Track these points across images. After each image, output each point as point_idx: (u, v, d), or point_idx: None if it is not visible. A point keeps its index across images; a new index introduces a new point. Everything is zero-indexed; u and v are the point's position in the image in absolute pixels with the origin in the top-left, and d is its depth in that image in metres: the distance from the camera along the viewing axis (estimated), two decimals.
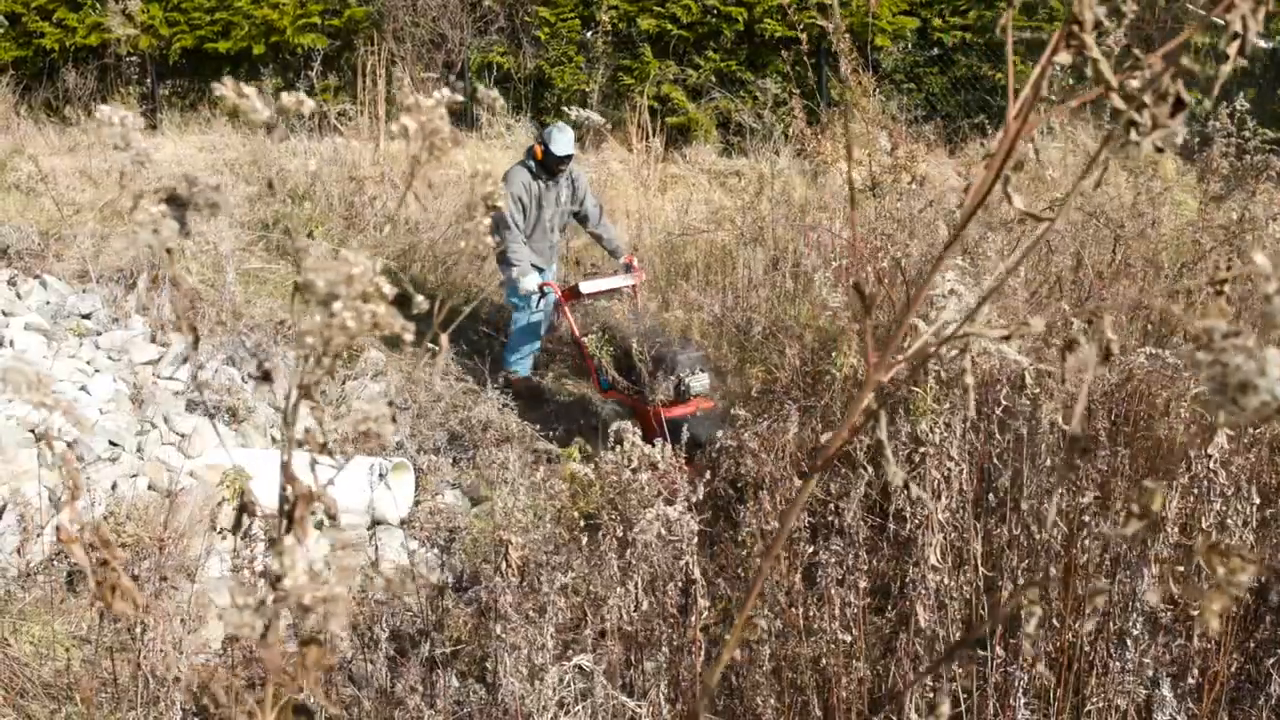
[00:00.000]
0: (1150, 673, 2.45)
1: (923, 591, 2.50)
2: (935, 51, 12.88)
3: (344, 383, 8.43)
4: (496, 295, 9.97)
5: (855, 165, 7.49)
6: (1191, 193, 7.66)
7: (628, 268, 7.84)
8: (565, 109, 12.04)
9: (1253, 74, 12.23)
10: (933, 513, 2.48)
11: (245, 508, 1.06)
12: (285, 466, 0.95)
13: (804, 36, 9.00)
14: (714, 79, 13.27)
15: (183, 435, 6.54)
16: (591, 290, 7.63)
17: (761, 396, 6.01)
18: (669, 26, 13.21)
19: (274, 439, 7.41)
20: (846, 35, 7.75)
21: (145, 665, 2.72)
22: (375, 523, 6.27)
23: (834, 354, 4.37)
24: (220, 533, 4.75)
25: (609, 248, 8.16)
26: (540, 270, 7.92)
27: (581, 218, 8.07)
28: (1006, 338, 0.95)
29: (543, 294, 7.83)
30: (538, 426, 7.64)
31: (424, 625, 4.64)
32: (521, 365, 8.30)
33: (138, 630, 2.76)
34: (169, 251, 0.95)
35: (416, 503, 6.58)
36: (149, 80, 14.81)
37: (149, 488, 5.92)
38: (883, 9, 12.37)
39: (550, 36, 13.64)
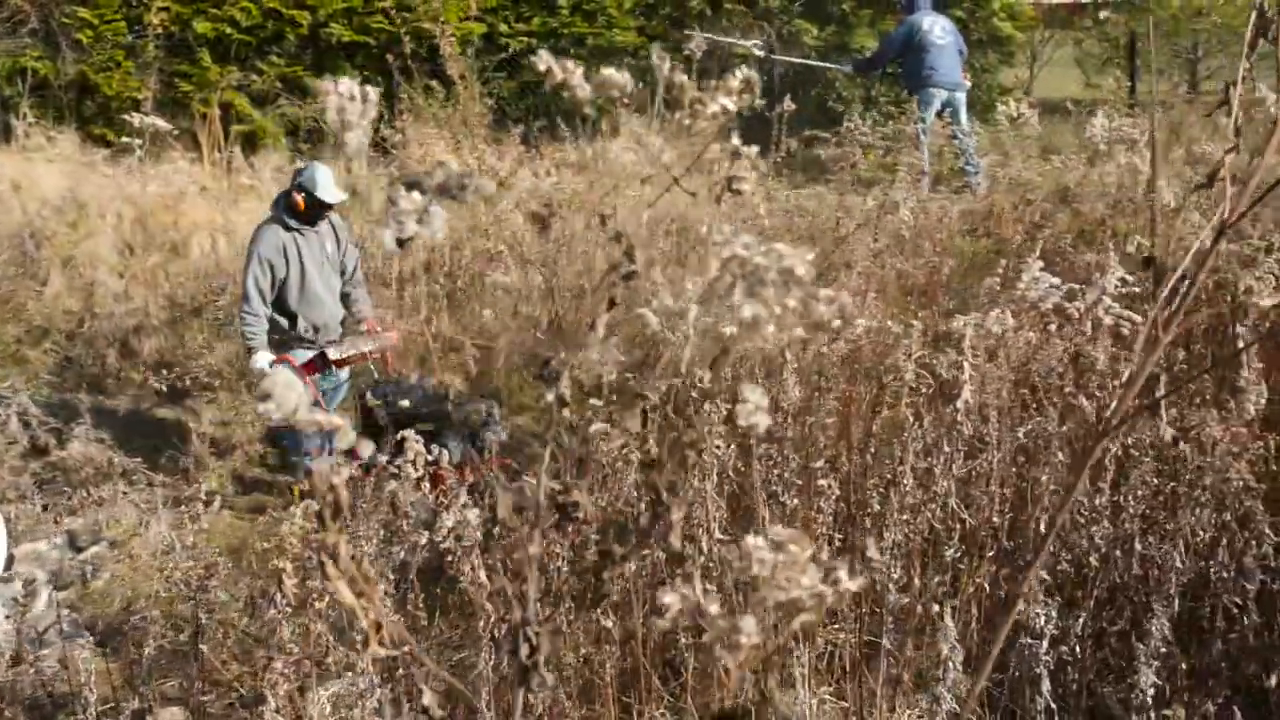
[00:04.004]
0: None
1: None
2: (502, 56, 13.11)
3: None
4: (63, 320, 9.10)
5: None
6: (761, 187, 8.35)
7: (367, 332, 6.75)
8: (124, 116, 11.15)
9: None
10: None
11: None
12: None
13: (406, 38, 8.88)
14: (279, 85, 12.78)
15: None
16: (342, 357, 6.47)
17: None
18: (228, 30, 12.56)
19: None
20: (453, 39, 7.75)
21: None
22: None
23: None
24: None
25: (354, 307, 6.89)
26: (311, 345, 6.58)
27: (339, 270, 6.83)
28: None
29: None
30: (140, 459, 7.06)
31: (73, 687, 4.18)
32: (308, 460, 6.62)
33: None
34: None
35: (10, 557, 5.89)
36: None
37: None
38: (449, 14, 12.44)
39: (94, 40, 12.56)
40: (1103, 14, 19.80)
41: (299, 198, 6.36)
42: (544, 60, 0.94)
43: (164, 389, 8.12)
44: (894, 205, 4.63)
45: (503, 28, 13.09)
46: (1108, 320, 2.91)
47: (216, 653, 3.38)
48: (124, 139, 11.01)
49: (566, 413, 0.98)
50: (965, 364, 2.83)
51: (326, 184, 6.38)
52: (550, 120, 12.48)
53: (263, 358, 6.36)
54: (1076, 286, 3.10)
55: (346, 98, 0.90)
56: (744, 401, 0.91)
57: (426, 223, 0.90)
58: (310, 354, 6.49)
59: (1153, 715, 2.68)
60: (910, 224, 4.63)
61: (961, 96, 10.16)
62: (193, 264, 9.69)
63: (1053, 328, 3.25)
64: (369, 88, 0.91)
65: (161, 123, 10.43)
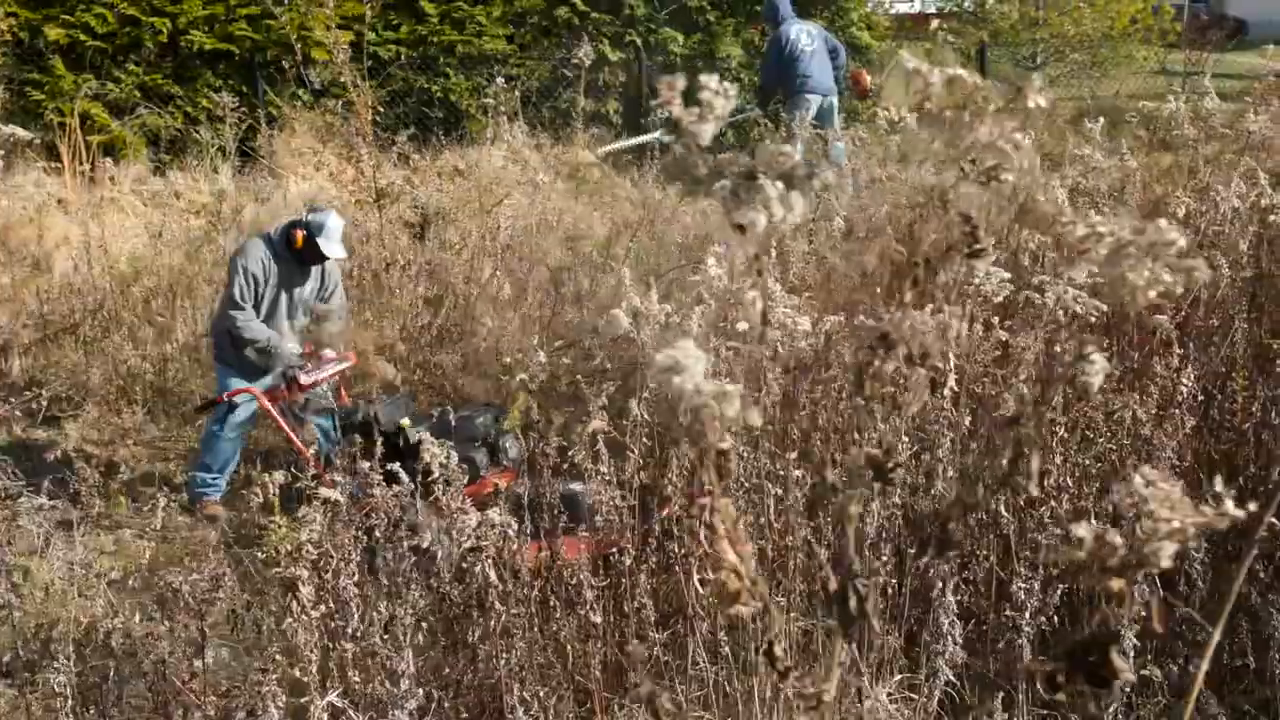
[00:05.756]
0: None
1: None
2: (370, 65, 12.94)
3: None
4: None
5: (354, 178, 7.44)
6: None
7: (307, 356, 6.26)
8: None
9: None
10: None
11: None
12: None
13: (298, 45, 8.69)
14: (138, 94, 12.36)
15: None
16: (314, 380, 6.02)
17: None
18: (82, 37, 12.09)
19: None
20: (347, 47, 7.64)
21: None
22: None
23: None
24: None
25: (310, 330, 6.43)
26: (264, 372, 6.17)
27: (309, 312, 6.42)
28: None
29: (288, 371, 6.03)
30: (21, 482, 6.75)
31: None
32: (216, 486, 6.38)
33: None
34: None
35: None
36: None
37: None
38: (316, 22, 12.23)
39: None
40: (934, 24, 20.64)
41: (299, 234, 6.02)
42: (910, 60, 1.00)
43: (37, 409, 7.80)
44: (826, 210, 4.79)
45: (370, 35, 12.90)
46: (1076, 308, 3.11)
47: (177, 674, 3.30)
48: None
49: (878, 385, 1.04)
50: (950, 353, 2.98)
51: (334, 236, 6.06)
52: (422, 129, 12.39)
53: (290, 347, 6.04)
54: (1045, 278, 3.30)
55: (713, 91, 0.95)
56: (1091, 363, 0.99)
57: (789, 207, 0.95)
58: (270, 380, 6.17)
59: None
60: (840, 229, 4.82)
61: (834, 101, 10.47)
62: (59, 280, 9.33)
63: (997, 319, 3.45)
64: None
65: (22, 131, 10.00)
